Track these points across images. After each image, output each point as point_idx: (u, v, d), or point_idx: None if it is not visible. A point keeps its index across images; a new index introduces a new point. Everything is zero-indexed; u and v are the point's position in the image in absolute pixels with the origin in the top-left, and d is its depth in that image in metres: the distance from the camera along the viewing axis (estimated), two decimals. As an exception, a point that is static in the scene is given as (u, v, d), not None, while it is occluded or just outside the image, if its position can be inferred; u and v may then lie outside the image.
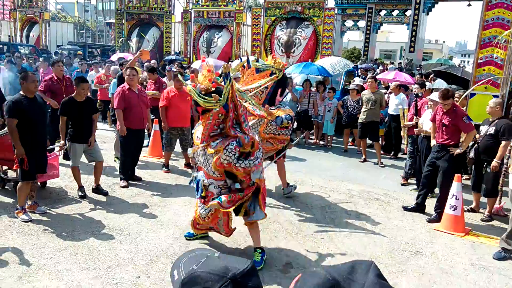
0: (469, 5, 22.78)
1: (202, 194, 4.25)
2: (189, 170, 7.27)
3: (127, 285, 3.80)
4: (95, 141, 6.00)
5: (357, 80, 11.06)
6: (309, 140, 10.31)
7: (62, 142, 5.94)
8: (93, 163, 6.06)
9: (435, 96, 6.18)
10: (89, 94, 10.34)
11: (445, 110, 5.64)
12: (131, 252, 4.38)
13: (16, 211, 5.08)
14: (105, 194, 5.97)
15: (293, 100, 9.57)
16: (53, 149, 6.10)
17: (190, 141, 7.35)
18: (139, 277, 3.93)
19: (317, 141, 10.14)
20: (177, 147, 7.59)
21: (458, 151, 5.51)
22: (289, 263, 4.35)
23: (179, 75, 6.96)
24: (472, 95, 7.23)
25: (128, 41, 22.13)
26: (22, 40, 26.96)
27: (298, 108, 9.90)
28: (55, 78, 7.22)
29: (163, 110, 7.11)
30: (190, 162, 5.73)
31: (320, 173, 7.61)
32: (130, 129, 6.41)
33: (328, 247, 4.73)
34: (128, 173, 6.62)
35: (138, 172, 6.95)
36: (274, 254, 4.51)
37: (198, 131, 4.36)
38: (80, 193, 5.85)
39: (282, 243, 4.77)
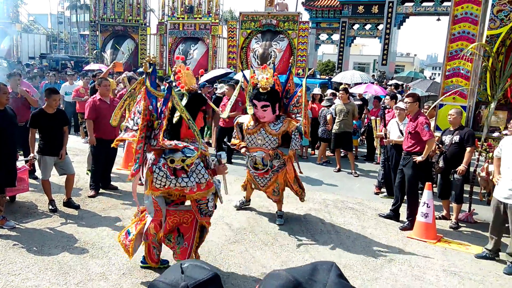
0: (439, 19, 23.55)
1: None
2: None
3: (99, 300, 3.71)
4: (67, 153, 5.88)
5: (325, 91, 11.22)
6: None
7: (32, 155, 5.82)
8: (65, 176, 5.93)
9: (401, 104, 6.36)
10: (61, 106, 10.20)
11: (410, 116, 5.84)
12: (103, 266, 4.29)
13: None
14: (77, 207, 5.84)
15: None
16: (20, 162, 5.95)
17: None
18: (111, 291, 3.85)
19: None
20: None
21: (419, 158, 5.65)
22: (265, 273, 4.34)
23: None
24: (441, 105, 7.46)
25: (102, 53, 21.92)
26: (-8, 52, 26.33)
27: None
28: (10, 91, 6.82)
29: None
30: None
31: (295, 183, 7.65)
32: (101, 139, 6.45)
33: (303, 257, 4.75)
34: (98, 184, 6.61)
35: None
36: (250, 264, 4.50)
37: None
38: (50, 207, 5.71)
39: (257, 253, 4.76)
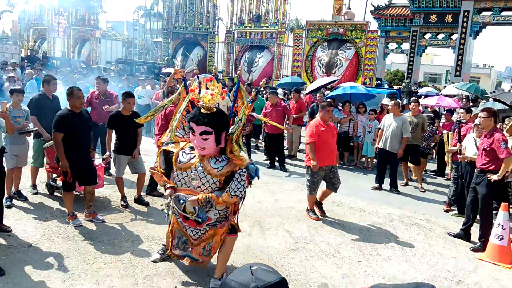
0: (519, 29, 22.04)
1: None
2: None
3: (164, 294, 3.88)
4: (139, 153, 6.21)
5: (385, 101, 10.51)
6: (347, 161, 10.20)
7: (107, 153, 6.22)
8: (136, 175, 6.27)
9: (477, 119, 6.02)
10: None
11: (485, 132, 5.50)
12: (169, 262, 4.46)
13: (68, 217, 5.33)
14: (146, 204, 6.16)
15: (334, 121, 9.61)
16: (97, 159, 6.35)
17: None
18: (176, 287, 4.00)
19: (357, 163, 10.03)
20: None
21: (495, 177, 5.29)
22: (325, 284, 4.30)
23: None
24: (522, 121, 6.96)
25: (173, 59, 22.91)
26: (74, 56, 28.48)
27: (338, 129, 9.86)
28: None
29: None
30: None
31: (359, 195, 7.49)
32: None
33: (366, 271, 4.64)
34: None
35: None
36: (310, 273, 4.47)
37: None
38: (122, 203, 6.06)
39: (317, 263, 4.72)
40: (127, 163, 6.15)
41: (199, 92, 3.73)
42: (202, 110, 3.64)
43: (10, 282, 3.88)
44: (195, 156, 3.76)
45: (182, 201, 3.70)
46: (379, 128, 8.32)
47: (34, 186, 6.35)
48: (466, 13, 21.73)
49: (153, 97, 10.90)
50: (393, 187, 7.95)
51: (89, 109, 7.22)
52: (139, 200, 6.20)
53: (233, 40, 22.74)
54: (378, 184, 8.04)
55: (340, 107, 10.00)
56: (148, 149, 9.45)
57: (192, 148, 3.82)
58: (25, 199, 5.98)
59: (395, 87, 22.29)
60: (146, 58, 32.37)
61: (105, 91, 7.65)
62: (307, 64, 19.55)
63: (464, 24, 21.81)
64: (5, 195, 5.36)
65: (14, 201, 5.82)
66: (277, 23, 21.40)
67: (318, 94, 10.84)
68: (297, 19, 45.19)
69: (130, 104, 6.10)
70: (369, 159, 9.87)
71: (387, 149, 7.85)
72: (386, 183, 8.03)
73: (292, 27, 30.25)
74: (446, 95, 13.26)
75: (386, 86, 20.27)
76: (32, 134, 6.11)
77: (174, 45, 24.05)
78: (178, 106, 4.13)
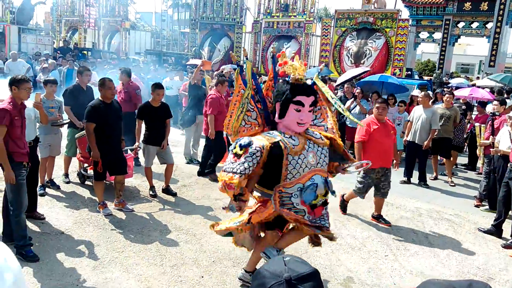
0: (561, 16, 20.97)
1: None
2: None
3: (191, 283, 3.95)
4: (168, 144, 6.30)
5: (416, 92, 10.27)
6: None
7: (136, 144, 6.35)
8: (164, 165, 6.37)
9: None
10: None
11: None
12: (195, 252, 4.55)
13: (98, 206, 5.48)
14: (174, 195, 6.26)
15: (362, 112, 9.43)
16: (127, 150, 6.47)
17: None
18: (202, 277, 4.07)
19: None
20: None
21: None
22: (351, 277, 4.28)
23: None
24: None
25: (201, 50, 23.01)
26: (104, 47, 29.00)
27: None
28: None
29: None
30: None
31: (386, 188, 7.38)
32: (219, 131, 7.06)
33: (392, 265, 4.59)
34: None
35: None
36: (335, 267, 4.46)
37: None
38: (151, 193, 6.18)
39: (343, 257, 4.70)
40: (155, 154, 6.25)
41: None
42: (296, 82, 3.31)
43: (43, 268, 4.04)
44: (294, 136, 3.36)
45: (315, 185, 3.27)
46: (408, 120, 8.15)
47: (66, 175, 6.56)
48: (503, 0, 20.87)
49: (181, 88, 11.04)
50: (422, 181, 7.79)
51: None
52: (167, 190, 6.31)
53: (260, 30, 22.62)
54: (406, 178, 7.90)
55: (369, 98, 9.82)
56: (176, 140, 9.59)
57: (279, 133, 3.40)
58: (57, 187, 6.19)
59: (425, 78, 21.72)
60: (174, 49, 32.64)
61: (127, 82, 7.73)
62: (335, 54, 19.26)
63: (501, 12, 20.96)
64: (39, 184, 5.56)
65: (47, 189, 6.03)
66: (305, 12, 21.14)
67: (345, 85, 10.66)
68: (325, 8, 44.55)
69: (159, 95, 6.17)
70: (397, 152, 9.68)
71: (416, 141, 7.69)
72: (415, 177, 7.88)
73: (320, 16, 29.78)
74: (480, 87, 12.84)
75: (416, 77, 19.76)
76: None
77: (202, 36, 24.12)
78: (234, 94, 3.78)
